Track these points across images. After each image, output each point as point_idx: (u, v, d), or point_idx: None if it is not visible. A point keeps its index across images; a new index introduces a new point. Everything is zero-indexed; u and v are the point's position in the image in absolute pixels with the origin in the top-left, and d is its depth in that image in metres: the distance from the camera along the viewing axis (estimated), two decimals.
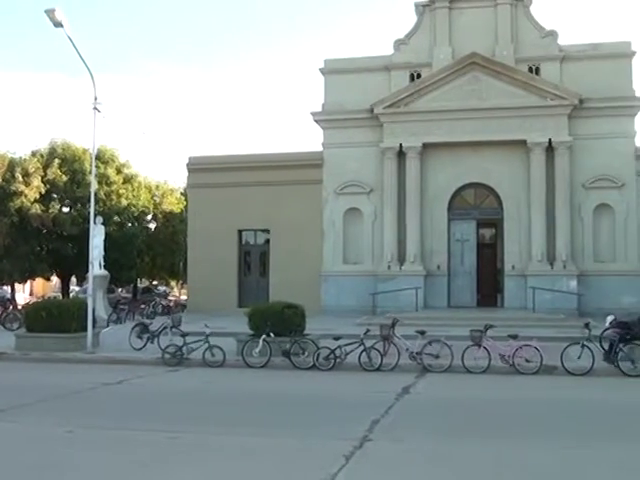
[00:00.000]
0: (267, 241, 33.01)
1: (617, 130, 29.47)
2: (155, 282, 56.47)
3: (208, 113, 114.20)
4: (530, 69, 30.46)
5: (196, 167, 33.51)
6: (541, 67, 30.54)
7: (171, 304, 34.94)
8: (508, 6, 30.95)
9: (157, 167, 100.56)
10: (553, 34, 30.89)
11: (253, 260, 33.58)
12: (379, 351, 16.24)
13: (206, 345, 16.92)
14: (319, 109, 32.18)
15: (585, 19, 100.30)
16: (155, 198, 46.53)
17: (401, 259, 30.25)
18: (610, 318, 17.20)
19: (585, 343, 15.77)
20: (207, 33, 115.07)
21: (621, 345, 15.72)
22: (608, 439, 9.65)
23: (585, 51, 30.43)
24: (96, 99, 19.65)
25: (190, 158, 33.96)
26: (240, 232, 33.22)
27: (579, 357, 15.62)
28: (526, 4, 31.22)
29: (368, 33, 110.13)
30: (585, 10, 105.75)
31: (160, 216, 46.09)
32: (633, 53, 30.23)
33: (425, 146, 30.21)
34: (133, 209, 42.37)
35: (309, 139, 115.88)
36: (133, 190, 42.69)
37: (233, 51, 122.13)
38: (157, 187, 47.52)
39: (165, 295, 50.54)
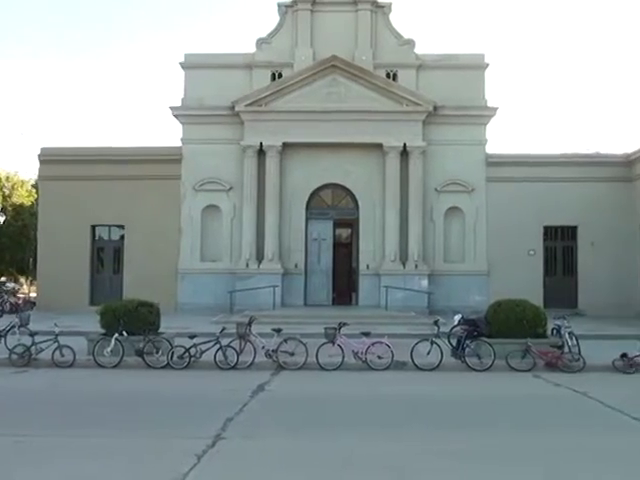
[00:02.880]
0: (122, 237, 32.14)
1: (469, 137, 30.82)
2: (3, 278, 53.93)
3: (66, 105, 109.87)
4: (388, 75, 31.28)
5: (48, 158, 32.05)
6: (398, 74, 31.41)
7: (20, 302, 33.46)
8: (368, 12, 31.66)
9: (7, 158, 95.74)
10: (410, 42, 31.86)
11: (107, 256, 32.54)
12: (235, 349, 16.22)
13: (56, 345, 16.31)
14: (179, 104, 31.73)
15: (444, 31, 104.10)
16: (4, 190, 44.57)
17: (259, 257, 30.32)
18: (458, 317, 17.91)
19: (434, 340, 16.41)
20: (63, 22, 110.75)
21: (468, 342, 16.53)
22: (452, 430, 10.12)
23: (441, 61, 31.59)
24: None
25: (42, 149, 32.46)
26: (93, 227, 32.09)
27: (428, 353, 16.17)
28: (386, 12, 32.04)
29: (232, 29, 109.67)
30: (444, 22, 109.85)
31: (9, 209, 44.24)
32: (486, 65, 31.68)
33: (285, 145, 30.42)
34: None
35: (171, 134, 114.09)
36: None
37: (93, 42, 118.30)
38: (7, 178, 45.60)
39: (13, 292, 48.33)
